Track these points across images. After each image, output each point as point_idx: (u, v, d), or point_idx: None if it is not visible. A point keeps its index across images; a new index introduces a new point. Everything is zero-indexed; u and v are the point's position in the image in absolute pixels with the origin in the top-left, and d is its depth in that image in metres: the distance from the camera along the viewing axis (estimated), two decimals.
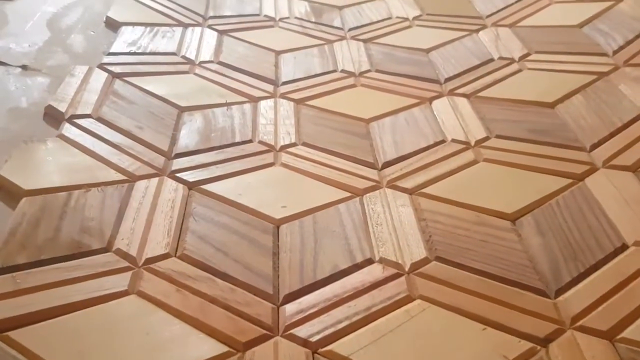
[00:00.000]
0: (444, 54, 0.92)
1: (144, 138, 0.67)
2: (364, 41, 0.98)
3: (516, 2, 1.04)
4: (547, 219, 0.57)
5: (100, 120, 0.68)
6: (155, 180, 0.61)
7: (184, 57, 0.87)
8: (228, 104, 0.77)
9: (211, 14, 1.02)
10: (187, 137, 0.69)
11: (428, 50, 0.94)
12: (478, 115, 0.76)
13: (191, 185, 0.61)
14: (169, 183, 0.61)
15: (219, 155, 0.67)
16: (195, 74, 0.83)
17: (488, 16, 1.02)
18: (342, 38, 0.99)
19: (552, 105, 0.75)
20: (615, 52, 0.83)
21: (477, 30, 0.98)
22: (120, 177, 0.60)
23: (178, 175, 0.62)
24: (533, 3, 1.02)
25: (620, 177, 0.62)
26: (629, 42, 0.84)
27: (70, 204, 0.56)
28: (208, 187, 0.61)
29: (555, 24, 0.94)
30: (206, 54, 0.89)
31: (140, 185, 0.60)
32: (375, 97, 0.83)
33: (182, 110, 0.74)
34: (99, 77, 0.76)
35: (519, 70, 0.84)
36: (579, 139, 0.69)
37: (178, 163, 0.64)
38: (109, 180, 0.60)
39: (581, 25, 0.92)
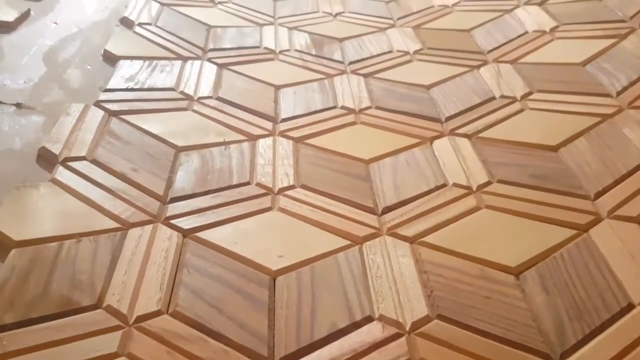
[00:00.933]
0: (445, 91, 0.91)
1: (139, 181, 0.65)
2: (365, 76, 0.97)
3: (518, 37, 1.03)
4: (551, 274, 0.56)
5: (95, 162, 0.67)
6: (149, 227, 0.59)
7: (182, 92, 0.86)
8: (226, 143, 0.76)
9: (211, 46, 1.01)
10: (183, 180, 0.68)
11: (429, 87, 0.93)
12: (480, 158, 0.74)
13: (186, 233, 0.60)
14: (163, 231, 0.59)
15: (215, 199, 0.65)
16: (194, 111, 0.82)
17: (489, 51, 1.01)
18: (343, 72, 0.98)
19: (555, 148, 0.74)
20: (619, 93, 0.82)
21: (478, 66, 0.97)
22: (113, 224, 0.59)
23: (173, 221, 0.61)
24: (535, 39, 1.01)
25: (625, 229, 0.60)
26: (632, 83, 0.83)
27: (61, 255, 0.54)
28: (203, 234, 0.60)
29: (557, 61, 0.93)
30: (205, 89, 0.88)
31: (134, 233, 0.58)
32: (375, 135, 0.82)
33: (179, 150, 0.73)
34: (95, 116, 0.75)
35: (521, 110, 0.83)
36: (583, 186, 0.67)
37: (173, 208, 0.63)
38: (102, 228, 0.58)
39: (584, 63, 0.91)
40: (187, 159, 0.72)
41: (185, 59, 0.95)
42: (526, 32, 1.04)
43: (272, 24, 1.15)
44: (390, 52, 1.05)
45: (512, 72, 0.93)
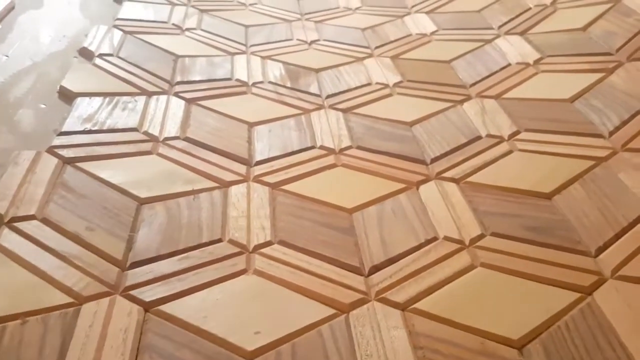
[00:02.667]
0: (428, 129, 0.86)
1: (95, 243, 0.58)
2: (344, 111, 0.92)
3: (500, 69, 0.99)
4: (557, 347, 0.51)
5: (46, 222, 0.59)
6: (105, 301, 0.52)
7: (146, 133, 0.79)
8: (195, 192, 0.69)
9: (178, 79, 0.94)
10: (146, 239, 0.61)
11: (411, 124, 0.88)
12: (470, 206, 0.69)
13: (148, 307, 0.53)
14: (122, 305, 0.52)
15: (182, 262, 0.58)
16: (159, 154, 0.75)
17: (472, 85, 0.97)
18: (320, 107, 0.93)
19: (549, 196, 0.70)
20: (611, 133, 0.78)
21: (462, 101, 0.93)
22: (65, 299, 0.51)
23: (133, 292, 0.54)
24: (519, 72, 0.98)
25: (631, 291, 0.56)
26: (625, 122, 0.79)
27: (4, 343, 0.46)
28: (168, 307, 0.53)
29: (544, 97, 0.89)
30: (172, 129, 0.81)
31: (88, 309, 0.51)
32: (358, 179, 0.76)
33: (142, 202, 0.66)
34: (48, 165, 0.67)
35: (510, 152, 0.79)
36: (583, 240, 0.63)
37: (134, 275, 0.56)
38: (52, 304, 0.51)
39: (572, 99, 0.87)
40: (151, 213, 0.64)
41: (150, 94, 0.88)
42: (509, 65, 1.00)
43: (244, 52, 1.09)
44: (369, 84, 1.00)
45: (497, 109, 0.89)
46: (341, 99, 0.95)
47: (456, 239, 0.64)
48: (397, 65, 1.06)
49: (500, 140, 0.82)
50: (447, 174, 0.76)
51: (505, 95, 0.92)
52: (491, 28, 1.14)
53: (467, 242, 0.64)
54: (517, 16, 1.16)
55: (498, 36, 1.11)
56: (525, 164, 0.76)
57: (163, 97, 0.88)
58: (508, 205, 0.69)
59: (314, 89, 0.98)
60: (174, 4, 1.23)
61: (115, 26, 1.05)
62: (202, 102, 0.89)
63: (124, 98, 0.85)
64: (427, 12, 1.27)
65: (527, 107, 0.88)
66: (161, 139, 0.78)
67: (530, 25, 1.11)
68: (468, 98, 0.93)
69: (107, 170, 0.69)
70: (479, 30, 1.15)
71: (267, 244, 0.63)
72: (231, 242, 0.62)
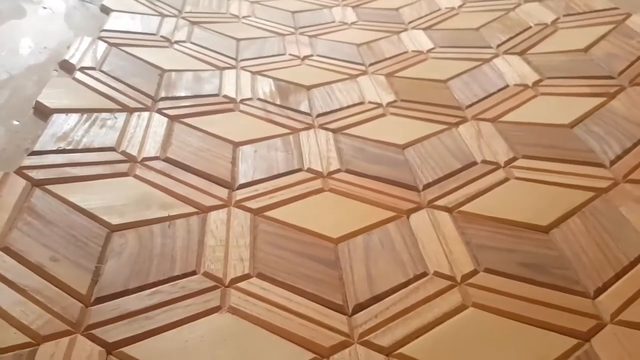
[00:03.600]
0: (421, 152, 0.83)
1: (59, 275, 0.54)
2: (334, 131, 0.88)
3: (498, 91, 0.96)
4: None
5: (7, 251, 0.55)
6: (65, 342, 0.48)
7: (124, 152, 0.75)
8: (170, 219, 0.65)
9: (163, 94, 0.91)
10: (114, 271, 0.57)
11: (404, 147, 0.84)
12: (463, 238, 0.66)
13: (110, 348, 0.49)
14: (83, 345, 0.48)
15: (152, 297, 0.54)
16: (136, 176, 0.71)
17: (468, 107, 0.93)
18: (310, 126, 0.89)
19: (546, 229, 0.66)
20: (612, 163, 0.74)
21: (457, 124, 0.89)
22: (21, 338, 0.47)
23: (95, 332, 0.50)
24: (517, 94, 0.94)
25: (631, 338, 0.52)
26: (626, 151, 0.76)
27: None
28: (132, 349, 0.49)
29: (543, 122, 0.86)
30: (152, 148, 0.77)
31: (45, 350, 0.47)
32: (345, 206, 0.72)
33: (113, 229, 0.62)
34: (15, 187, 0.63)
35: (506, 180, 0.75)
36: (581, 279, 0.59)
37: (98, 312, 0.52)
38: (6, 344, 0.47)
39: (572, 124, 0.84)
40: (122, 241, 0.60)
41: (131, 111, 0.84)
42: (507, 86, 0.97)
43: (233, 67, 1.05)
44: (361, 103, 0.97)
45: (494, 133, 0.85)
46: (332, 118, 0.92)
47: (447, 274, 0.60)
48: (391, 84, 1.03)
49: (496, 167, 0.78)
50: (439, 202, 0.72)
51: (502, 119, 0.89)
52: (489, 47, 1.11)
53: (458, 279, 0.60)
54: (516, 35, 1.13)
55: (496, 55, 1.07)
56: (522, 194, 0.73)
57: (145, 114, 0.84)
58: (503, 239, 0.65)
59: (304, 107, 0.95)
60: (163, 15, 1.20)
61: (100, 38, 1.02)
62: (186, 120, 0.86)
63: (103, 115, 0.81)
64: (424, 29, 1.24)
65: (525, 132, 0.84)
66: (139, 159, 0.74)
67: (530, 45, 1.08)
68: (464, 120, 0.90)
69: (79, 194, 0.65)
70: (476, 49, 1.11)
71: (245, 277, 0.59)
72: (206, 274, 0.58)
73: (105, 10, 1.14)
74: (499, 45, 1.11)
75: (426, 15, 1.30)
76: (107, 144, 0.75)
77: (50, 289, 0.52)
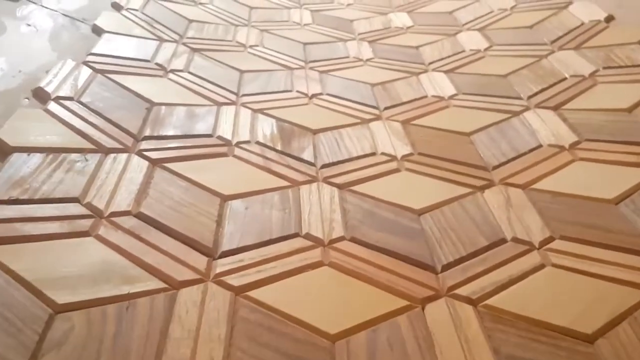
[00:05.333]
0: (440, 221, 0.70)
1: None
2: (340, 187, 0.76)
3: (529, 151, 0.84)
4: None
5: None
6: None
7: (89, 205, 0.63)
8: (130, 297, 0.53)
9: (147, 132, 0.79)
10: None
11: (420, 212, 0.72)
12: (490, 344, 0.53)
13: None
14: None
15: None
16: (98, 237, 0.59)
17: (495, 167, 0.81)
18: (313, 180, 0.77)
19: (591, 339, 0.53)
20: None
21: (482, 188, 0.77)
22: None
23: None
24: (552, 156, 0.82)
25: None
26: None
27: None
28: None
29: (583, 194, 0.73)
30: (123, 200, 0.65)
31: None
32: (347, 287, 0.60)
33: (58, 310, 0.50)
34: None
35: (542, 266, 0.63)
36: None
37: None
38: None
39: (617, 200, 0.72)
40: (66, 327, 0.48)
41: (106, 152, 0.73)
42: (540, 146, 0.85)
43: (233, 103, 0.94)
44: (373, 154, 0.85)
45: (526, 203, 0.73)
46: (338, 170, 0.80)
47: None
48: (407, 133, 0.91)
49: (530, 248, 0.65)
50: (461, 291, 0.60)
51: (535, 185, 0.77)
52: (519, 98, 0.99)
53: None
54: (549, 86, 1.01)
55: (527, 109, 0.96)
56: (561, 287, 0.60)
57: (122, 156, 0.73)
58: (539, 349, 0.53)
59: (308, 155, 0.83)
60: (162, 40, 1.09)
61: (86, 63, 0.91)
62: (170, 165, 0.74)
63: (73, 156, 0.69)
64: (446, 72, 1.13)
65: (562, 205, 0.72)
66: (106, 214, 0.62)
67: (566, 99, 0.96)
68: (490, 184, 0.78)
69: (24, 260, 0.53)
70: (505, 99, 1.00)
71: None
72: None
73: (97, 31, 1.04)
74: (530, 97, 0.99)
75: (449, 57, 1.19)
76: (70, 193, 0.63)
77: None
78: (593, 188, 0.75)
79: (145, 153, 0.74)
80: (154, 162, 0.73)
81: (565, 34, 1.18)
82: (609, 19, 1.20)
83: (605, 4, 1.25)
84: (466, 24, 1.35)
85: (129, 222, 0.62)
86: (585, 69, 1.04)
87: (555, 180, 0.78)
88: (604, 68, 1.03)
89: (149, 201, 0.66)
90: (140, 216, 0.64)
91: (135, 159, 0.73)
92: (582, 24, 1.21)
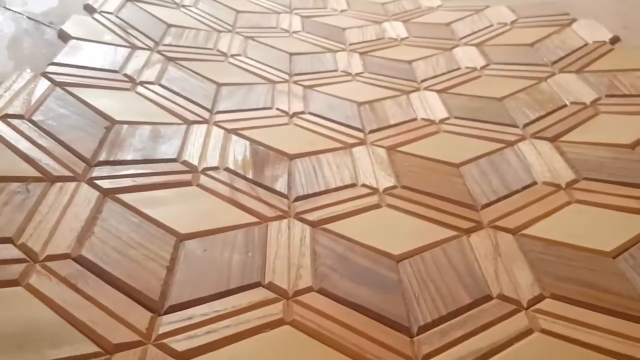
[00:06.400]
0: (420, 270, 0.64)
1: None
2: (312, 224, 0.70)
3: (523, 189, 0.77)
4: None
5: None
6: None
7: (22, 247, 0.56)
8: None
9: (102, 157, 0.72)
10: None
11: (399, 259, 0.65)
12: None
13: None
14: None
15: None
16: (28, 287, 0.52)
17: (484, 207, 0.75)
18: (284, 215, 0.70)
19: None
20: None
21: (469, 231, 0.70)
22: None
23: None
24: (545, 196, 0.75)
25: None
26: None
27: None
28: None
29: (577, 243, 0.67)
30: (63, 240, 0.58)
31: None
32: (308, 355, 0.53)
33: None
34: None
35: (529, 332, 0.56)
36: None
37: None
38: None
39: (614, 254, 0.65)
40: None
41: (53, 180, 0.66)
42: (534, 183, 0.78)
43: (205, 122, 0.87)
44: (353, 185, 0.78)
45: (516, 252, 0.66)
46: (313, 204, 0.73)
47: None
48: (392, 161, 0.84)
49: (517, 308, 0.59)
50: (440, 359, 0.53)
51: (526, 230, 0.70)
52: (514, 125, 0.92)
53: None
54: (547, 114, 0.94)
55: (523, 138, 0.89)
56: (550, 353, 0.53)
57: (70, 186, 0.65)
58: None
59: (281, 185, 0.76)
60: (135, 48, 1.02)
61: (45, 74, 0.83)
62: (123, 196, 0.67)
63: (13, 186, 0.62)
64: (438, 91, 1.06)
65: (555, 257, 0.65)
66: (42, 258, 0.55)
67: (565, 130, 0.89)
68: (478, 227, 0.71)
69: None
70: (499, 125, 0.93)
71: None
72: None
73: (64, 37, 0.96)
74: (526, 125, 0.92)
75: (442, 74, 1.12)
76: (3, 232, 0.56)
77: None
78: (590, 237, 0.68)
79: (97, 182, 0.67)
80: (105, 193, 0.66)
81: (567, 55, 1.11)
82: (614, 40, 1.13)
83: (611, 24, 1.18)
84: (463, 37, 1.28)
85: (66, 268, 0.55)
86: (586, 95, 0.97)
87: (549, 225, 0.71)
88: (607, 96, 0.96)
89: (93, 241, 0.59)
90: (80, 260, 0.56)
91: (85, 188, 0.66)
92: (586, 44, 1.14)
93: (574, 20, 1.24)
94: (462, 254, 0.66)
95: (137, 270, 0.57)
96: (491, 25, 1.31)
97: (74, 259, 0.56)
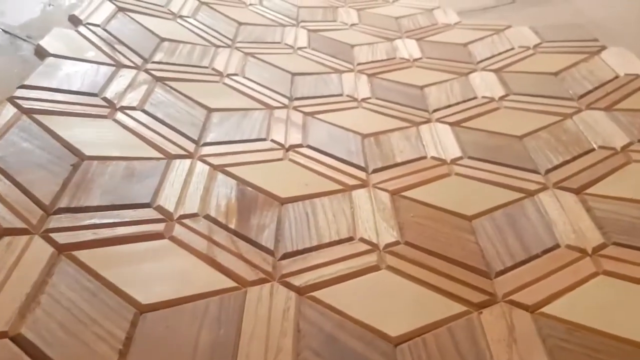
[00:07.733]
0: (418, 349, 0.54)
1: None
2: (299, 292, 0.61)
3: (543, 253, 0.67)
4: None
5: None
6: None
7: None
8: None
9: (64, 203, 0.63)
10: None
11: (397, 342, 0.56)
12: None
13: None
14: None
15: None
16: None
17: (498, 275, 0.65)
18: (266, 279, 0.61)
19: None
20: None
21: (480, 305, 0.61)
22: None
23: None
24: (569, 264, 0.66)
25: None
26: None
27: None
28: None
29: (605, 329, 0.57)
30: (2, 315, 0.49)
31: None
32: None
33: None
34: None
35: None
36: None
37: None
38: None
39: None
40: None
41: (1, 234, 0.57)
42: (557, 246, 0.69)
43: (189, 156, 0.78)
44: (350, 240, 0.69)
45: (533, 337, 0.57)
46: (302, 264, 0.64)
47: None
48: (396, 210, 0.75)
49: None
50: None
51: (546, 308, 0.60)
52: (536, 172, 0.82)
53: None
54: (572, 159, 0.84)
55: (545, 188, 0.79)
56: None
57: (20, 241, 0.57)
58: None
59: (267, 238, 0.67)
60: (120, 66, 0.93)
61: (12, 99, 0.75)
62: (81, 253, 0.58)
63: None
64: (451, 124, 0.96)
65: (578, 346, 0.56)
66: None
67: (591, 181, 0.79)
68: (491, 301, 0.61)
69: None
70: (518, 170, 0.83)
71: None
72: None
73: (40, 54, 0.87)
74: (548, 171, 0.82)
75: (457, 104, 1.02)
76: None
77: None
78: (621, 322, 0.58)
79: (52, 235, 0.58)
80: (60, 249, 0.57)
81: (596, 88, 1.01)
82: None
83: None
84: (481, 61, 1.18)
85: (0, 350, 0.46)
86: (616, 139, 0.87)
87: (572, 302, 0.61)
88: None
89: (38, 315, 0.50)
90: (18, 341, 0.48)
91: (38, 243, 0.57)
92: (617, 77, 1.03)
93: (604, 47, 1.14)
94: (471, 338, 0.57)
95: (82, 355, 0.48)
96: (512, 49, 1.21)
97: (12, 339, 0.48)
